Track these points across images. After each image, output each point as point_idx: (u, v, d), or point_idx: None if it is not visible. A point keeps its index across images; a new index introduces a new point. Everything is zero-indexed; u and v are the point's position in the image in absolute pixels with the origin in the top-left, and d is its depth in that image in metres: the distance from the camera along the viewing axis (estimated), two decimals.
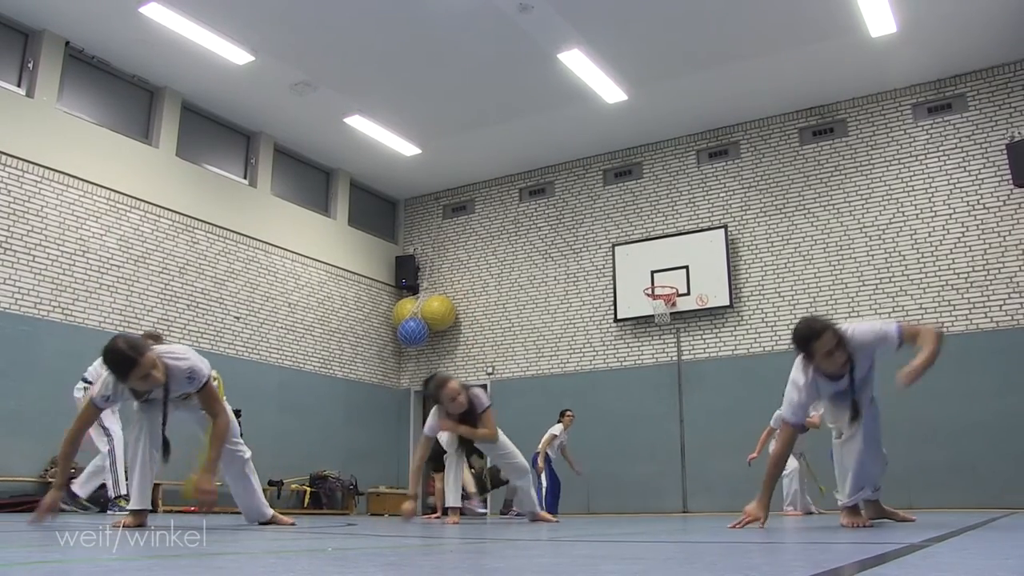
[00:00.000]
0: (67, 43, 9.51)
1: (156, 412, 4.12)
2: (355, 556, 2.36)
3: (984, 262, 9.80)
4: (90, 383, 6.96)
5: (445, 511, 6.79)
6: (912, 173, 10.44)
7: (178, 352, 4.15)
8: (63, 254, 9.14)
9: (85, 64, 9.87)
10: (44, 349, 8.66)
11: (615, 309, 11.80)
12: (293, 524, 4.80)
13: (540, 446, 9.73)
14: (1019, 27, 9.31)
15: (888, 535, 3.28)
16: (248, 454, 4.80)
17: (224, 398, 4.44)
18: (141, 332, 7.43)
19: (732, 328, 11.11)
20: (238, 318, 11.04)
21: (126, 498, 7.12)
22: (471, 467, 8.09)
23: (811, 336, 3.89)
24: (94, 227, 9.50)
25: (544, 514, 6.62)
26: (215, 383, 4.31)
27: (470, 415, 5.60)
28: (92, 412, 4.26)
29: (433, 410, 5.72)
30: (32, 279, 8.81)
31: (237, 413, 9.25)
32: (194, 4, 8.80)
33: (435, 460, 8.34)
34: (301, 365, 11.84)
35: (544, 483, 9.55)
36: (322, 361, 12.25)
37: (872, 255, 10.42)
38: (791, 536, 3.50)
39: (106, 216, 9.65)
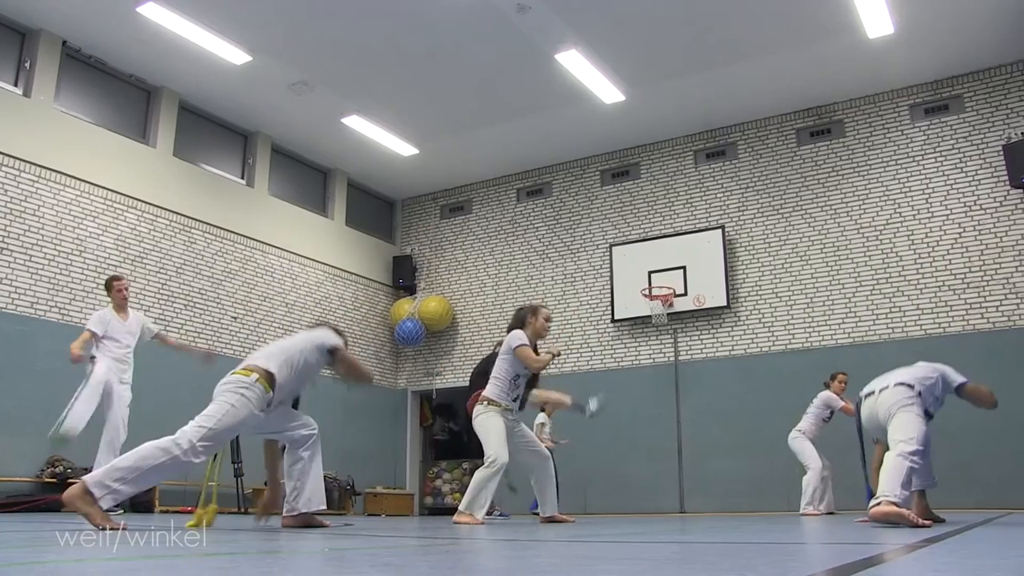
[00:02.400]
0: (64, 42, 9.50)
1: None
2: (352, 556, 2.36)
3: (981, 263, 9.81)
4: (94, 332, 7.22)
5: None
6: (909, 174, 10.46)
7: None
8: (60, 254, 9.13)
9: (82, 64, 9.86)
10: (41, 349, 8.64)
11: (612, 309, 11.81)
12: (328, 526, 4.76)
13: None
14: (1016, 29, 9.33)
15: (885, 536, 3.29)
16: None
17: None
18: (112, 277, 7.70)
19: (729, 328, 11.12)
20: (235, 318, 11.04)
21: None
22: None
23: None
24: (91, 227, 9.49)
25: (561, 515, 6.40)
26: None
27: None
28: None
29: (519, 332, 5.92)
30: (29, 279, 8.79)
31: None
32: (191, 4, 8.79)
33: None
34: None
35: None
36: None
37: (869, 256, 10.43)
38: (788, 536, 3.50)
39: (103, 216, 9.64)
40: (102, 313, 7.42)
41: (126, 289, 7.57)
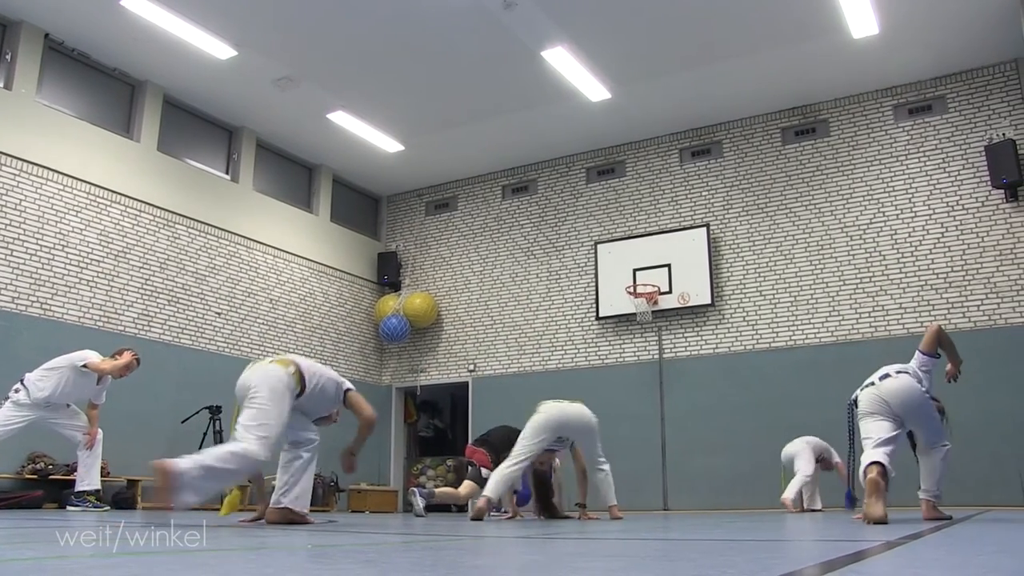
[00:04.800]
0: (46, 35, 9.41)
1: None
2: (334, 553, 2.36)
3: (963, 262, 9.89)
4: (24, 386, 6.88)
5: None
6: (893, 174, 10.52)
7: None
8: (42, 248, 9.05)
9: (65, 57, 9.77)
10: (22, 344, 8.57)
11: (597, 307, 11.83)
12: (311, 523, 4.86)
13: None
14: (998, 30, 9.39)
15: (866, 533, 3.31)
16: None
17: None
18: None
19: (713, 326, 11.16)
20: (219, 314, 10.98)
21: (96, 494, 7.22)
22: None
23: None
24: (74, 221, 9.41)
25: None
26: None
27: None
28: None
29: None
30: (10, 273, 8.72)
31: (217, 409, 9.27)
32: None
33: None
34: None
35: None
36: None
37: (853, 255, 10.49)
38: (771, 534, 3.52)
39: (86, 210, 9.57)
40: (100, 363, 6.97)
41: (129, 372, 7.18)
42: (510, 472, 6.29)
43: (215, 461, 3.91)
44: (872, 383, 4.97)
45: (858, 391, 5.08)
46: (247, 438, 4.10)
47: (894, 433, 4.68)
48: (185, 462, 3.79)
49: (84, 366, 6.91)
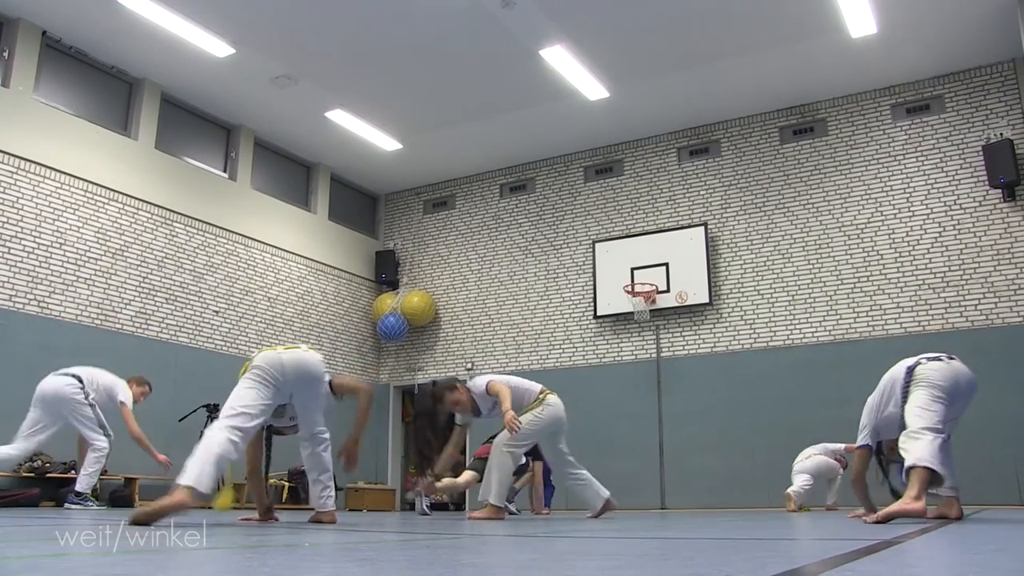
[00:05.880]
0: (44, 32, 9.40)
1: None
2: (331, 551, 2.36)
3: (960, 262, 9.90)
4: (81, 383, 7.11)
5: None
6: (890, 173, 10.53)
7: None
8: (39, 246, 9.04)
9: (62, 54, 9.76)
10: (19, 342, 8.57)
11: (595, 306, 11.83)
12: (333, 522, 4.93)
13: None
14: (995, 30, 9.40)
15: (862, 531, 3.32)
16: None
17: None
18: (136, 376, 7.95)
19: (711, 325, 11.16)
20: (217, 312, 10.98)
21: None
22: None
23: None
24: (71, 219, 9.41)
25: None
26: None
27: None
28: None
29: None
30: (7, 271, 8.71)
31: (215, 408, 9.26)
32: None
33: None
34: None
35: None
36: None
37: (850, 254, 10.50)
38: (767, 532, 3.52)
39: (83, 208, 9.56)
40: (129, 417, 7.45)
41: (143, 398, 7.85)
42: (507, 458, 6.01)
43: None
44: (939, 358, 4.67)
45: (922, 359, 4.72)
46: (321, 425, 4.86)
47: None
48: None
49: (122, 402, 7.40)
